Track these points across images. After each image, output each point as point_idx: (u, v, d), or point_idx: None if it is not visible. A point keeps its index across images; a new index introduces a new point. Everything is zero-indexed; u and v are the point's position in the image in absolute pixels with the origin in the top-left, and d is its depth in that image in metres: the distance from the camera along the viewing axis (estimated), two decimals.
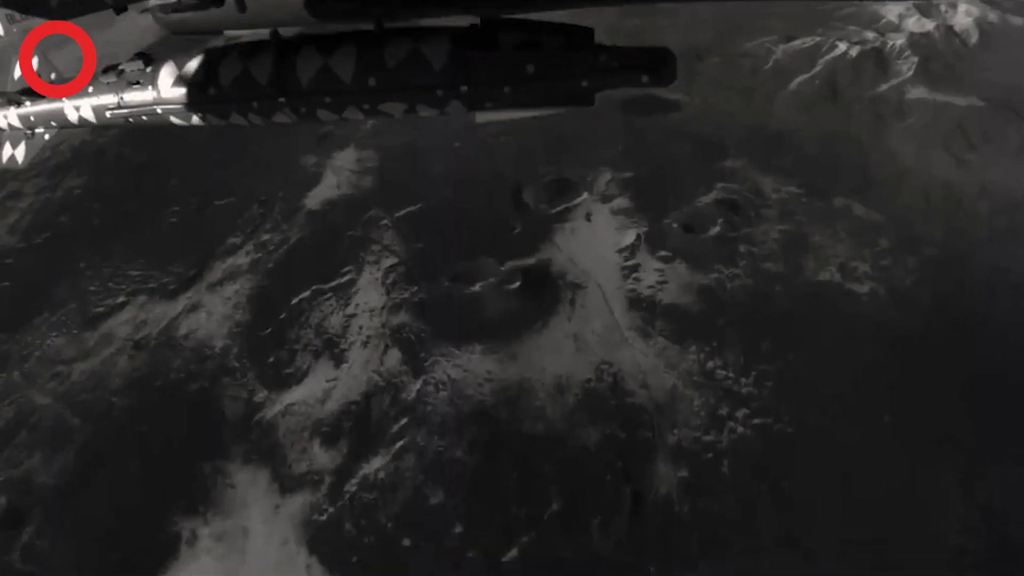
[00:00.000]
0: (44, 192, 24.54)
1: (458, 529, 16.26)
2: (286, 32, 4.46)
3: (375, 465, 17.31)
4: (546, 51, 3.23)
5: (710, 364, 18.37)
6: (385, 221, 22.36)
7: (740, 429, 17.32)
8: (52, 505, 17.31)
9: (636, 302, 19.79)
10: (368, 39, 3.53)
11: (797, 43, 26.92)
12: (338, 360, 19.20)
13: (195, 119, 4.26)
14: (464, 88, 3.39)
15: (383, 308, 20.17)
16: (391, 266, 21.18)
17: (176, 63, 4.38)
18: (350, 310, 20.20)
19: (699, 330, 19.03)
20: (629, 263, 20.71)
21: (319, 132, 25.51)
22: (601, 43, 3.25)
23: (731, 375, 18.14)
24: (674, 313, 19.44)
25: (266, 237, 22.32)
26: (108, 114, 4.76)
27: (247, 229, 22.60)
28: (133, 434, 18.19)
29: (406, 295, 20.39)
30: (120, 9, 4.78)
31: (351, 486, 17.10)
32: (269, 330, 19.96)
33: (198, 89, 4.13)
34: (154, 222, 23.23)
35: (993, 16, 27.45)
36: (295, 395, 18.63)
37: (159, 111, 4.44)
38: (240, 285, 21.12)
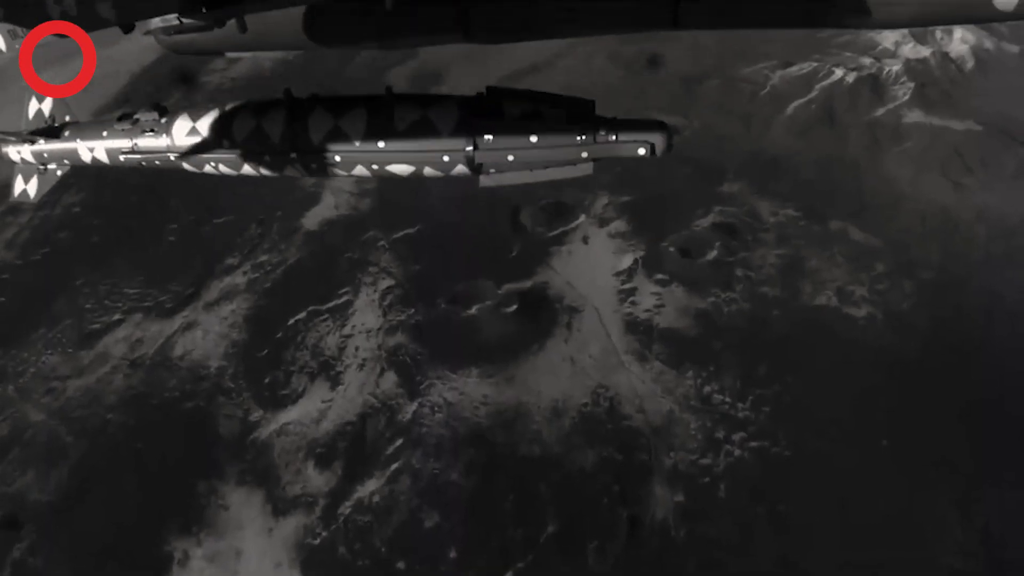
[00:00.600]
0: (43, 208, 24.54)
1: (453, 553, 16.18)
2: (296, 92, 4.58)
3: (370, 488, 17.24)
4: (548, 122, 3.35)
5: (707, 388, 18.37)
6: (383, 243, 22.38)
7: (737, 452, 17.30)
8: (45, 522, 17.22)
9: (633, 326, 19.79)
10: (378, 103, 3.63)
11: (794, 69, 27.09)
12: (334, 381, 19.17)
13: (207, 167, 4.46)
14: (470, 154, 3.46)
15: (379, 330, 20.16)
16: (388, 288, 21.18)
17: (191, 115, 4.50)
18: (346, 331, 20.18)
19: (696, 354, 19.03)
20: (626, 286, 20.73)
21: None
22: (601, 115, 3.39)
23: (728, 399, 18.13)
24: (671, 337, 19.45)
25: (264, 257, 22.32)
26: (122, 157, 4.89)
27: (245, 249, 22.60)
28: (127, 452, 18.12)
29: (403, 317, 20.38)
30: (128, 28, 4.82)
31: (345, 508, 17.02)
32: (265, 351, 19.92)
33: (212, 141, 4.29)
34: (152, 240, 23.23)
35: (989, 43, 27.69)
36: (290, 415, 18.58)
37: (172, 158, 4.60)
38: (237, 305, 21.09)
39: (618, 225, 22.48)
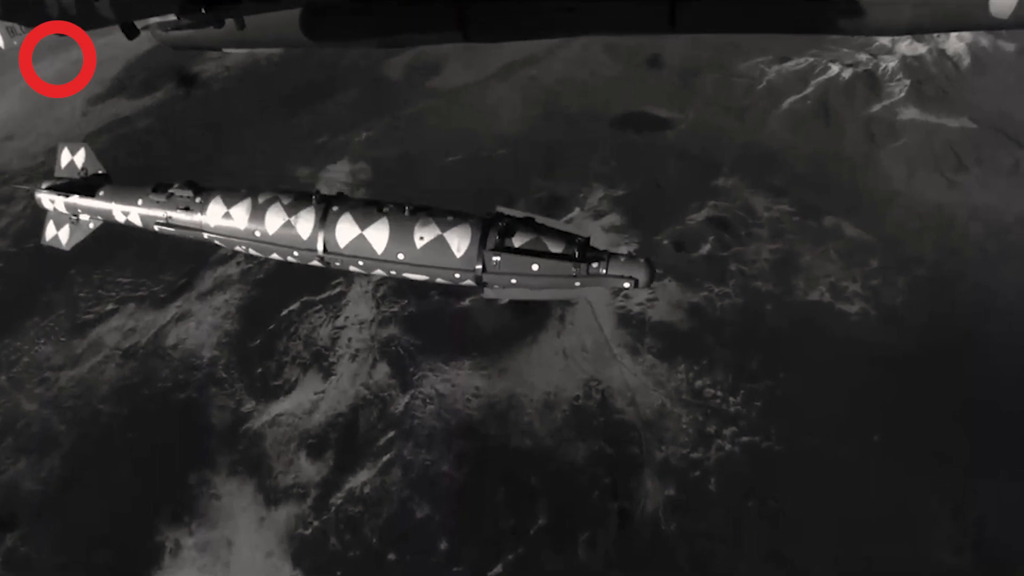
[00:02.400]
0: None
1: (444, 544, 16.22)
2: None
3: (361, 478, 17.27)
4: (549, 255, 3.89)
5: (699, 382, 18.39)
6: None
7: (728, 447, 17.33)
8: (37, 511, 17.23)
9: (626, 319, 19.80)
10: (401, 218, 4.15)
11: (791, 64, 27.07)
12: (326, 372, 19.17)
13: (238, 247, 4.76)
14: (479, 273, 4.01)
15: (373, 321, 20.15)
16: (381, 279, 21.17)
17: (224, 200, 4.75)
18: (339, 322, 20.17)
19: (688, 348, 19.05)
20: None
21: (313, 144, 25.53)
22: (596, 249, 3.95)
23: (720, 393, 18.16)
24: (664, 331, 19.46)
25: None
26: (155, 227, 5.12)
27: None
28: (119, 442, 18.12)
29: (396, 308, 20.37)
30: (132, 33, 4.83)
31: (337, 499, 17.04)
32: (258, 341, 19.91)
33: (244, 230, 4.61)
34: (145, 230, 23.16)
35: (985, 41, 27.66)
36: (283, 406, 18.59)
37: (205, 236, 4.88)
38: (230, 295, 21.07)
39: (612, 219, 22.46)
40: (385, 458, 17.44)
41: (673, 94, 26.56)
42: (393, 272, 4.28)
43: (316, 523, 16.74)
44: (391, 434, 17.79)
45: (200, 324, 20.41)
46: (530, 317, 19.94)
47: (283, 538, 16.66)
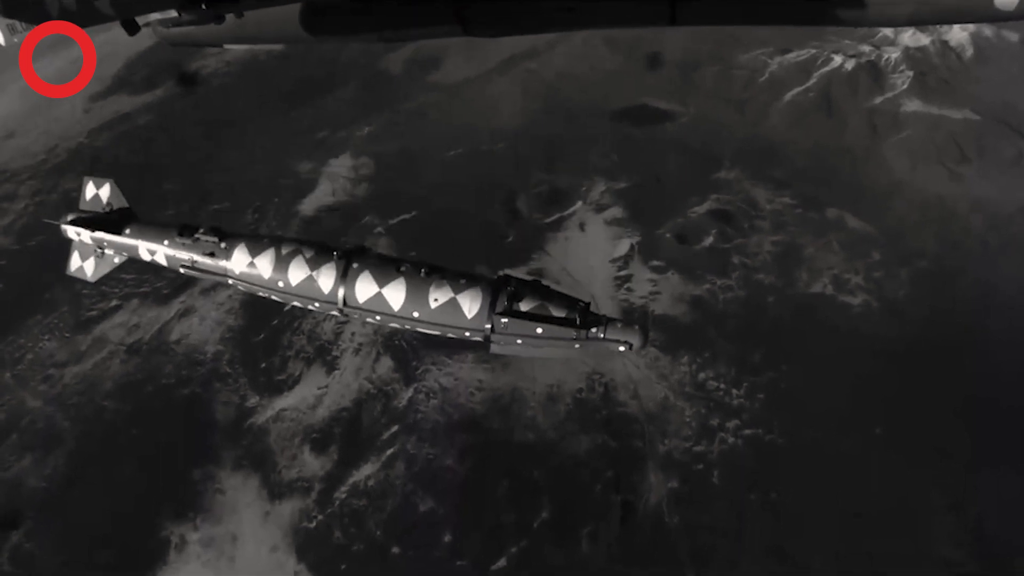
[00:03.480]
0: (39, 194, 24.52)
1: (448, 537, 16.26)
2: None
3: (365, 472, 17.31)
4: (553, 319, 4.14)
5: (702, 375, 18.40)
6: (379, 228, 22.36)
7: (731, 440, 17.35)
8: (42, 508, 17.29)
9: (629, 312, 19.80)
10: (417, 279, 4.43)
11: (792, 56, 26.97)
12: (330, 367, 19.20)
13: (260, 293, 5.01)
14: (487, 333, 4.29)
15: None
16: None
17: (249, 248, 4.94)
18: (342, 317, 20.16)
19: (691, 341, 19.05)
20: (622, 273, 20.74)
21: (314, 139, 25.53)
22: (595, 313, 4.22)
23: (722, 386, 18.17)
24: (666, 323, 19.46)
25: None
26: (181, 268, 5.30)
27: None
28: (124, 438, 18.16)
29: None
30: (133, 30, 4.84)
31: (341, 493, 17.09)
32: (262, 336, 19.94)
33: (268, 279, 4.82)
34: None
35: (988, 31, 27.54)
36: (286, 401, 18.63)
37: (229, 281, 5.08)
38: (233, 290, 21.04)
39: (614, 212, 22.45)
40: (389, 452, 17.48)
41: (674, 87, 26.50)
42: (408, 327, 4.53)
43: (320, 517, 16.80)
44: (394, 428, 17.83)
45: (204, 320, 20.45)
46: None
47: (288, 532, 16.72)
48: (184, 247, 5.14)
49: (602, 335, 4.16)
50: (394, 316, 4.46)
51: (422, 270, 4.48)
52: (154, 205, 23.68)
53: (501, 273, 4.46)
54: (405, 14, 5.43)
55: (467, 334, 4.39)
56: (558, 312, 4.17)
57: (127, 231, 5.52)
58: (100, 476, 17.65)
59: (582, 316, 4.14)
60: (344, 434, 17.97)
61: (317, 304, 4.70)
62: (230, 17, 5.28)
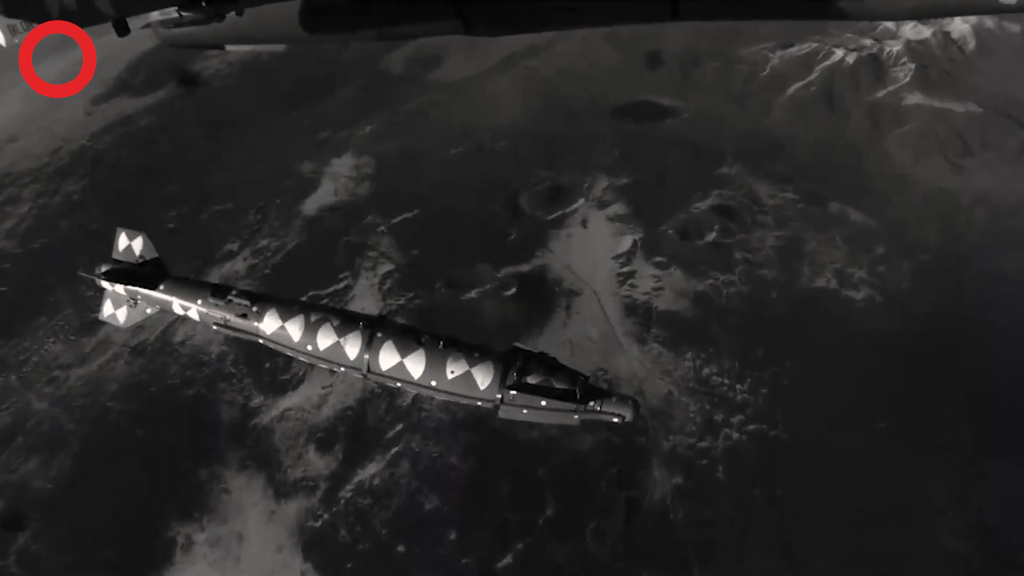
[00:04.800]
0: (42, 197, 24.57)
1: (453, 535, 16.29)
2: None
3: (370, 471, 17.34)
4: (556, 392, 4.48)
5: (705, 371, 18.40)
6: (382, 227, 22.38)
7: (735, 435, 17.35)
8: (48, 510, 17.34)
9: (632, 308, 19.81)
10: (436, 351, 4.75)
11: (794, 50, 26.90)
12: None
13: (288, 353, 5.30)
14: (497, 403, 4.62)
15: (379, 314, 20.17)
16: (387, 272, 21.21)
17: (280, 313, 5.20)
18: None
19: (695, 337, 19.05)
20: (625, 269, 20.74)
21: (315, 139, 25.55)
22: (594, 387, 4.53)
23: (726, 381, 18.17)
24: (670, 319, 19.47)
25: (263, 243, 22.35)
26: (214, 326, 5.56)
27: (244, 235, 22.62)
28: (129, 439, 18.22)
29: (402, 301, 20.42)
30: (123, 31, 4.84)
31: (346, 492, 17.13)
32: None
33: (298, 343, 5.08)
34: (152, 227, 23.06)
35: (990, 23, 27.44)
36: (291, 401, 18.66)
37: (260, 341, 5.37)
38: (237, 291, 21.11)
39: (617, 208, 22.45)
40: (393, 451, 17.51)
41: (675, 83, 26.46)
42: (426, 393, 4.91)
43: (326, 516, 16.83)
44: (399, 427, 17.85)
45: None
46: (536, 308, 19.96)
47: (293, 531, 16.76)
48: (217, 307, 5.43)
49: (599, 408, 4.52)
50: (414, 384, 4.80)
51: (440, 342, 4.81)
52: (156, 206, 23.74)
53: (512, 346, 4.78)
54: (406, 13, 5.44)
55: (478, 403, 4.73)
56: (560, 384, 4.53)
57: (161, 287, 5.77)
58: (106, 477, 17.70)
59: (582, 390, 4.50)
60: (349, 433, 17.99)
61: (342, 368, 5.00)
62: (230, 17, 5.29)
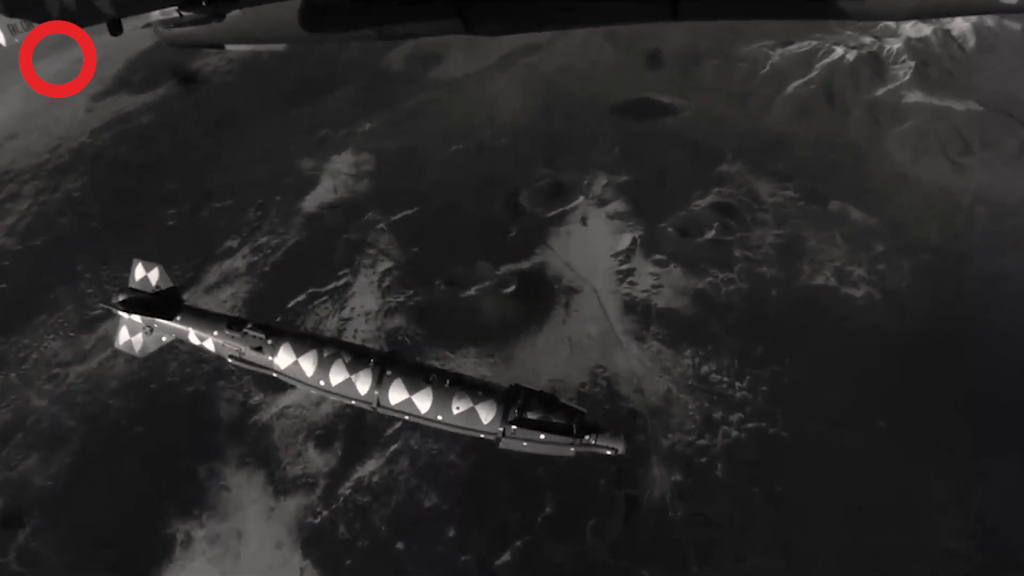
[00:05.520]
0: (43, 194, 24.58)
1: (452, 533, 16.30)
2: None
3: (369, 468, 17.35)
4: (554, 426, 4.83)
5: (704, 368, 18.40)
6: (381, 225, 22.39)
7: (734, 433, 17.35)
8: (48, 507, 17.35)
9: (631, 306, 19.82)
10: (442, 388, 5.06)
11: (794, 47, 26.88)
12: None
13: (300, 387, 5.58)
14: (499, 436, 4.96)
15: (378, 312, 20.20)
16: (387, 270, 21.21)
17: (294, 347, 5.47)
18: (345, 313, 20.23)
19: (694, 334, 19.05)
20: (624, 267, 20.74)
21: (315, 137, 25.56)
22: (589, 422, 4.87)
23: (725, 379, 18.16)
24: (669, 317, 19.47)
25: (263, 240, 22.35)
26: (228, 358, 5.80)
27: (244, 232, 22.63)
28: (129, 436, 18.23)
29: (401, 299, 20.42)
30: (117, 31, 4.84)
31: (345, 489, 17.14)
32: None
33: (310, 377, 5.37)
34: (151, 224, 23.25)
35: (991, 21, 27.40)
36: (290, 398, 18.65)
37: (274, 374, 5.58)
38: (236, 288, 21.16)
39: (616, 206, 22.44)
40: (392, 448, 17.51)
41: (675, 81, 26.45)
42: (432, 426, 5.25)
43: (325, 513, 16.85)
44: (398, 424, 17.82)
45: None
46: (535, 306, 19.97)
47: (293, 528, 16.77)
48: (233, 339, 5.71)
49: (593, 441, 4.86)
50: (421, 418, 5.13)
51: (447, 380, 5.15)
52: (156, 204, 23.76)
53: (513, 384, 5.12)
54: (405, 13, 5.44)
55: (482, 436, 5.09)
56: (558, 419, 4.89)
57: (178, 317, 6.00)
58: (105, 474, 17.71)
59: (578, 425, 4.85)
60: (348, 430, 17.99)
61: (354, 402, 5.31)
62: (230, 17, 5.30)
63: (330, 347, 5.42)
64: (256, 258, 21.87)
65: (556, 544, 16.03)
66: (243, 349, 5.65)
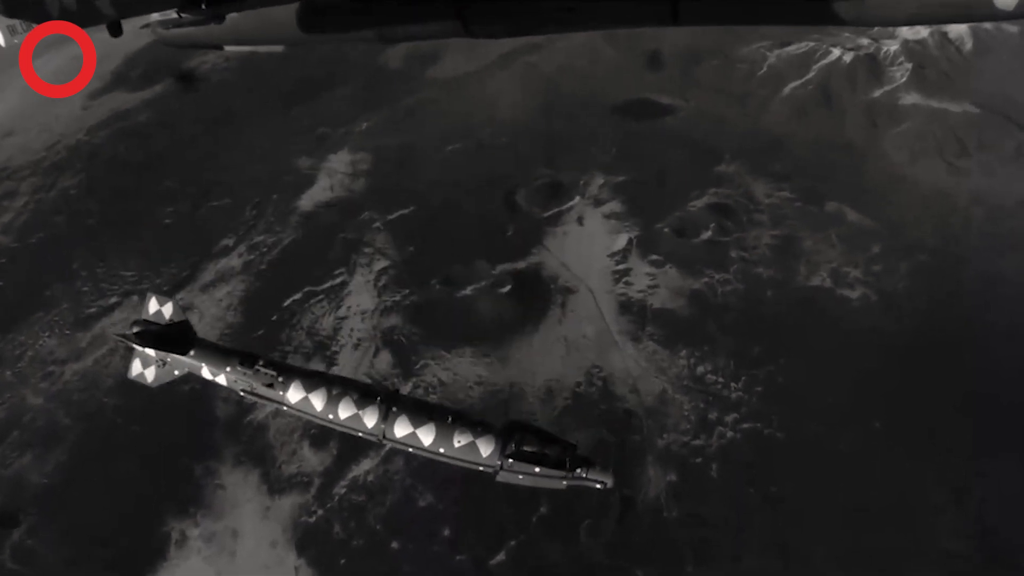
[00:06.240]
0: (39, 192, 24.55)
1: (447, 532, 16.30)
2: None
3: (364, 467, 17.34)
4: (548, 459, 5.16)
5: (700, 369, 18.41)
6: (378, 224, 22.38)
7: (729, 434, 17.35)
8: (43, 505, 17.33)
9: (627, 306, 19.82)
10: (444, 424, 5.42)
11: (792, 48, 26.91)
12: (329, 362, 19.22)
13: (308, 418, 5.84)
14: (497, 469, 5.25)
15: (374, 310, 20.20)
16: (383, 268, 21.21)
17: (304, 384, 5.78)
18: (342, 312, 20.23)
19: (690, 335, 19.05)
20: (620, 267, 20.74)
21: (313, 135, 25.55)
22: (580, 456, 5.19)
23: (721, 380, 18.17)
24: (665, 317, 19.47)
25: (259, 238, 22.34)
26: (240, 391, 6.09)
27: (240, 230, 22.61)
28: (125, 435, 18.20)
29: (397, 298, 20.42)
30: (117, 32, 4.83)
31: (340, 488, 17.13)
32: (261, 332, 19.98)
33: (320, 412, 5.68)
34: (148, 222, 23.24)
35: (988, 23, 27.43)
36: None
37: (284, 408, 5.89)
38: (233, 287, 21.14)
39: (613, 206, 22.45)
40: (387, 447, 17.49)
41: (674, 81, 26.46)
42: (435, 458, 5.58)
43: (320, 512, 16.84)
44: None
45: (203, 316, 20.48)
46: (532, 306, 19.97)
47: (288, 527, 16.77)
48: (245, 377, 6.00)
49: (584, 475, 5.18)
50: (424, 450, 5.45)
51: (448, 417, 5.50)
52: (153, 202, 23.74)
53: (510, 420, 5.47)
54: (405, 14, 5.43)
55: (481, 468, 5.38)
56: (552, 453, 5.21)
57: (192, 352, 6.24)
58: (101, 473, 17.70)
59: (571, 459, 5.17)
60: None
61: (361, 434, 5.67)
62: (229, 18, 5.30)
63: (338, 385, 5.75)
64: (252, 256, 21.86)
65: (551, 544, 16.03)
66: (255, 385, 5.94)
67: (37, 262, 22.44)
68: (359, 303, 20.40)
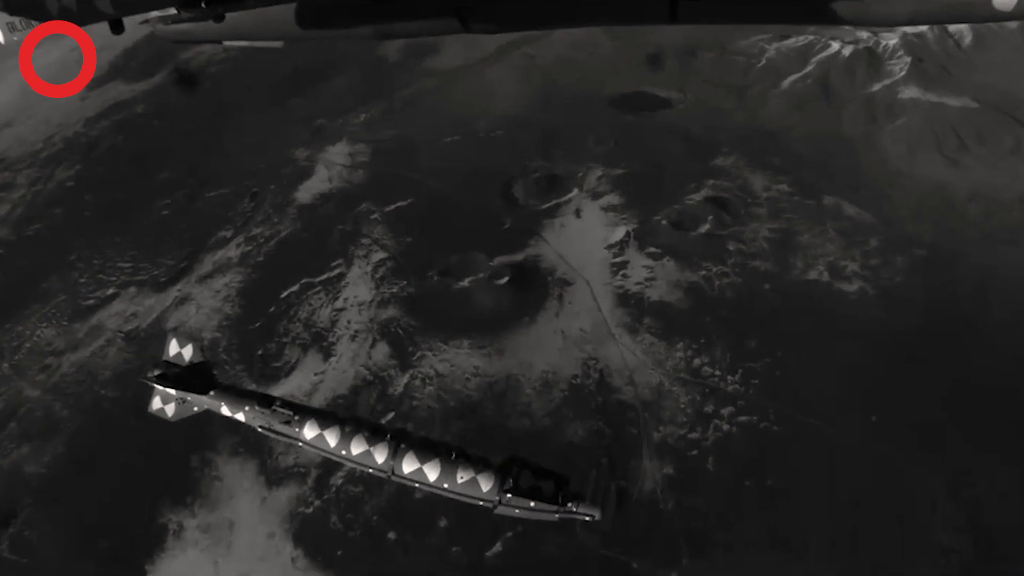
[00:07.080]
0: (36, 184, 24.54)
1: (443, 523, 16.32)
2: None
3: None
4: (543, 493, 5.70)
5: (697, 361, 18.40)
6: (375, 215, 22.36)
7: (726, 427, 17.35)
8: (41, 496, 17.36)
9: (624, 299, 19.82)
10: (449, 461, 5.96)
11: (790, 42, 26.88)
12: (326, 354, 19.23)
13: (322, 454, 6.34)
14: (495, 504, 5.76)
15: (372, 302, 20.19)
16: (380, 260, 21.19)
17: (319, 423, 6.31)
18: (339, 304, 20.22)
19: (686, 327, 19.04)
20: (618, 259, 20.72)
21: (312, 126, 25.52)
22: (572, 491, 5.75)
23: (718, 373, 18.17)
24: (662, 310, 19.47)
25: (257, 230, 22.33)
26: (257, 427, 6.55)
27: (238, 222, 22.60)
28: (122, 426, 18.20)
29: (395, 289, 20.41)
30: (119, 29, 4.83)
31: (337, 479, 17.13)
32: (258, 323, 19.98)
33: (333, 448, 6.19)
34: (146, 214, 23.23)
35: None
36: (283, 388, 18.64)
37: (299, 444, 6.38)
38: (230, 278, 21.13)
39: (611, 198, 22.43)
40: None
41: (672, 74, 26.43)
42: (438, 493, 6.06)
43: (317, 503, 16.85)
44: (391, 415, 17.87)
45: (201, 307, 20.49)
46: (529, 298, 19.97)
47: (285, 518, 16.78)
48: (262, 416, 6.55)
49: (575, 509, 5.74)
50: (430, 485, 5.97)
51: (452, 453, 6.04)
52: (150, 193, 23.72)
53: (509, 456, 6.00)
54: (404, 12, 5.44)
55: (481, 502, 5.90)
56: (547, 487, 5.79)
57: (211, 393, 6.78)
58: (98, 464, 17.74)
59: (564, 494, 5.76)
60: None
61: (371, 470, 6.17)
62: (228, 16, 5.32)
63: (349, 424, 6.29)
64: (250, 248, 21.85)
65: (547, 535, 16.04)
66: (272, 424, 6.49)
67: (34, 254, 22.44)
68: (356, 294, 20.39)
